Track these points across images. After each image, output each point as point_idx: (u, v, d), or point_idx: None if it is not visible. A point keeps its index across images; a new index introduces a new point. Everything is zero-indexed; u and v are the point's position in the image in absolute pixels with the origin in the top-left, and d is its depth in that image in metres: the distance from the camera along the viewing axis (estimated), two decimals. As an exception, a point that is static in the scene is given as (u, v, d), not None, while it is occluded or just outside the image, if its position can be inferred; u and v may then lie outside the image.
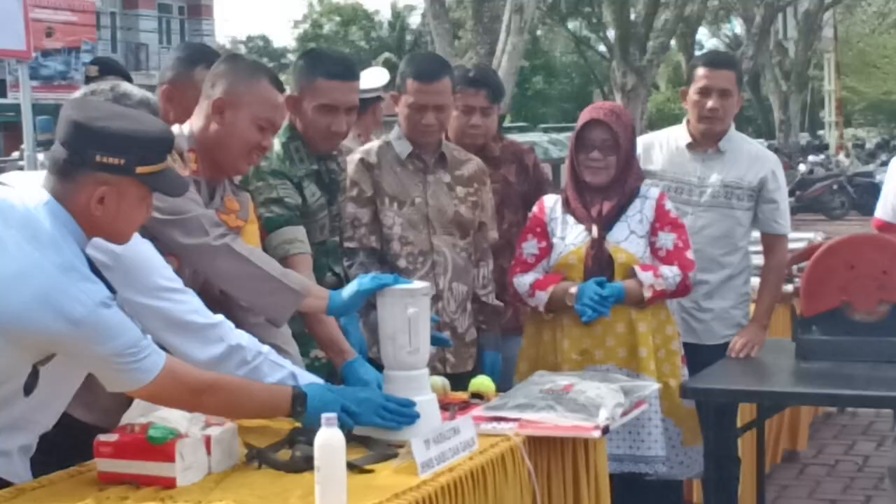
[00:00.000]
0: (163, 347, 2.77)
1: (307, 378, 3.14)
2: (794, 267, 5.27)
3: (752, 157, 4.79)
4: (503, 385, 3.79)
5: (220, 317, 3.04)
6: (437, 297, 4.18)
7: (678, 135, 4.83)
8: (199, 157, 3.34)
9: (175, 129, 3.32)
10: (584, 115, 4.30)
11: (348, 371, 3.47)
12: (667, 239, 4.27)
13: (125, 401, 3.20)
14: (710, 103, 4.67)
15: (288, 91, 3.73)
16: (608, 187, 4.26)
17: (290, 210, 3.73)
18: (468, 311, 4.36)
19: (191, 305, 2.97)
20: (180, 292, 2.96)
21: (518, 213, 4.75)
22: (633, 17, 22.28)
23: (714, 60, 4.81)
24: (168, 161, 2.69)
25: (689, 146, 4.78)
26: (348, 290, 3.25)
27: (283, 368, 3.09)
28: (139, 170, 2.61)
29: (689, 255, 4.29)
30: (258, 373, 3.04)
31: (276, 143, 3.75)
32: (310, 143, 3.87)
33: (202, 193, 3.34)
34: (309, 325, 3.56)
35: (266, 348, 3.10)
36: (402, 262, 4.24)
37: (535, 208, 4.42)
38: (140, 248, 2.88)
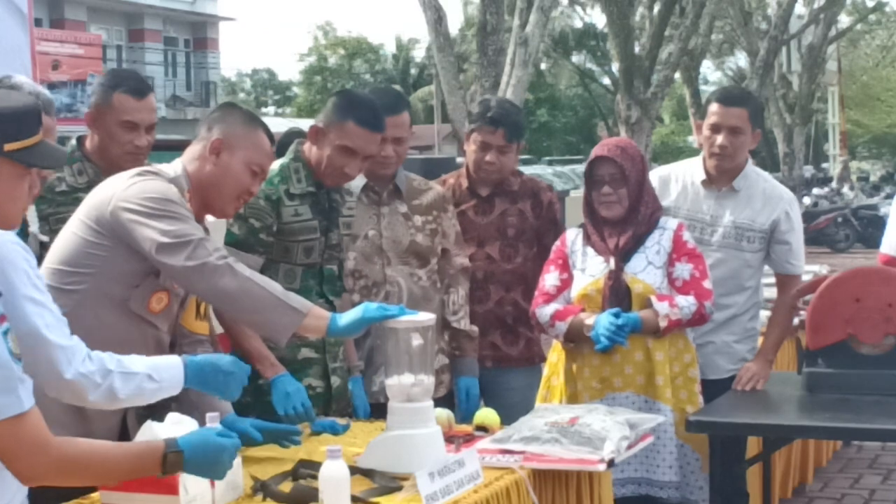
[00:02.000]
0: None
1: (166, 374, 2.96)
2: (800, 300, 5.24)
3: (766, 197, 4.72)
4: (512, 416, 3.76)
5: (75, 338, 2.86)
6: None
7: (694, 170, 4.79)
8: (193, 197, 3.37)
9: (169, 169, 3.37)
10: (592, 154, 4.39)
11: (274, 383, 3.64)
12: (683, 269, 4.32)
13: (118, 433, 3.23)
14: (719, 140, 4.63)
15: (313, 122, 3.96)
16: (624, 219, 4.33)
17: (249, 231, 3.84)
18: None
19: (47, 320, 2.77)
20: (41, 305, 2.77)
21: (532, 247, 4.75)
22: (637, 50, 22.33)
23: (726, 97, 4.74)
24: (40, 134, 2.54)
25: (704, 183, 4.74)
26: (351, 316, 3.24)
27: (135, 376, 2.91)
28: (7, 147, 2.45)
29: (707, 284, 4.32)
30: (112, 393, 2.87)
31: (276, 163, 3.87)
32: (316, 173, 3.94)
33: None
34: (237, 340, 3.66)
35: (114, 364, 2.90)
36: (356, 297, 4.24)
37: (557, 241, 4.49)
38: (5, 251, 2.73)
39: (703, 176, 4.74)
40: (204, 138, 3.40)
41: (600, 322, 4.18)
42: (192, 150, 3.42)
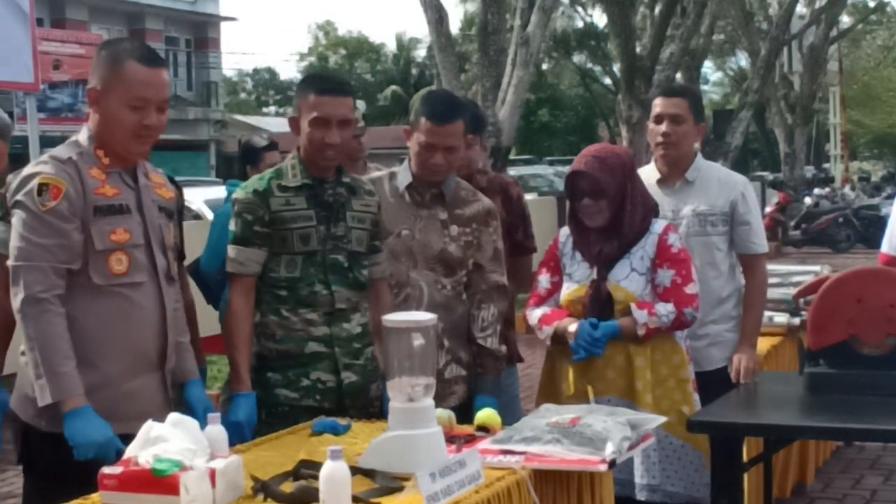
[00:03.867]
0: None
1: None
2: (801, 300, 5.26)
3: (720, 183, 4.89)
4: (502, 417, 3.76)
5: None
6: None
7: (648, 173, 4.92)
8: (107, 150, 3.40)
9: (80, 135, 3.41)
10: (572, 166, 4.47)
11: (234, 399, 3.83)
12: (665, 276, 4.39)
13: (159, 403, 3.38)
14: (662, 128, 4.82)
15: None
16: (608, 228, 4.39)
17: (245, 226, 3.96)
18: (446, 348, 4.32)
19: None
20: None
21: (504, 242, 4.75)
22: (638, 50, 22.33)
23: (666, 90, 5.04)
24: None
25: (659, 182, 4.89)
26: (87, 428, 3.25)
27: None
28: None
29: (689, 289, 4.39)
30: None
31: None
32: (309, 161, 4.02)
33: (125, 181, 3.44)
34: (227, 347, 3.91)
35: None
36: None
37: (551, 242, 4.56)
38: None
39: (657, 176, 4.89)
40: (90, 86, 3.42)
41: (579, 333, 4.28)
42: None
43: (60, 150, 3.36)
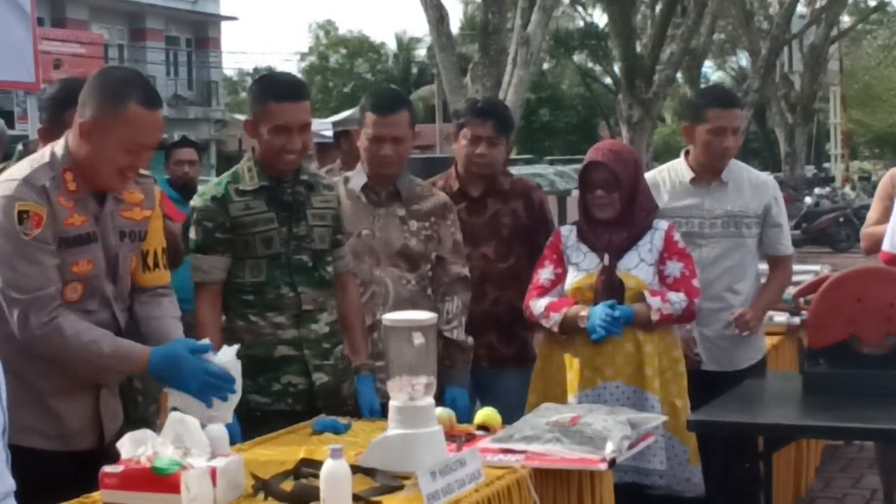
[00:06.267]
0: None
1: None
2: (801, 299, 5.28)
3: (753, 186, 4.92)
4: (508, 416, 3.77)
5: None
6: (372, 328, 4.24)
7: (680, 170, 4.94)
8: (77, 174, 3.28)
9: (57, 147, 3.30)
10: (587, 157, 4.51)
11: None
12: (674, 267, 4.45)
13: (88, 424, 3.32)
14: (726, 142, 4.79)
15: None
16: (617, 221, 4.43)
17: (205, 234, 3.92)
18: None
19: None
20: None
21: (525, 246, 4.77)
22: (639, 50, 22.34)
23: (725, 100, 4.91)
24: None
25: (693, 181, 4.89)
26: (162, 353, 3.24)
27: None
28: None
29: (695, 283, 4.47)
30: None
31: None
32: (267, 164, 3.98)
33: (90, 208, 3.31)
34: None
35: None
36: None
37: (552, 237, 4.59)
38: None
39: (690, 174, 4.90)
40: (80, 115, 3.28)
41: (596, 313, 4.29)
42: (74, 127, 3.31)
43: (36, 174, 3.23)
